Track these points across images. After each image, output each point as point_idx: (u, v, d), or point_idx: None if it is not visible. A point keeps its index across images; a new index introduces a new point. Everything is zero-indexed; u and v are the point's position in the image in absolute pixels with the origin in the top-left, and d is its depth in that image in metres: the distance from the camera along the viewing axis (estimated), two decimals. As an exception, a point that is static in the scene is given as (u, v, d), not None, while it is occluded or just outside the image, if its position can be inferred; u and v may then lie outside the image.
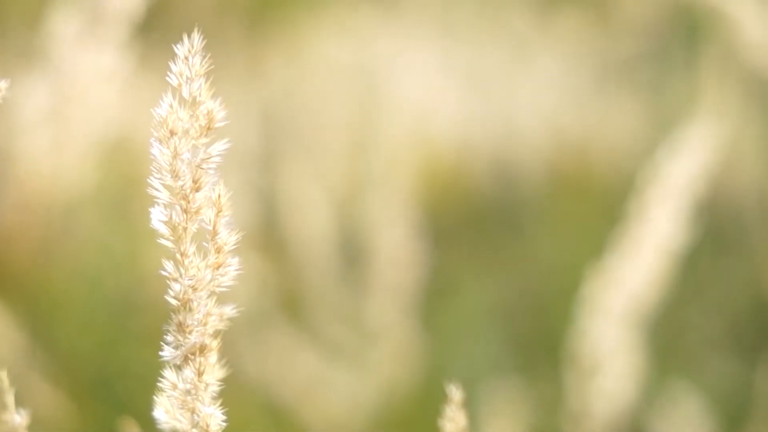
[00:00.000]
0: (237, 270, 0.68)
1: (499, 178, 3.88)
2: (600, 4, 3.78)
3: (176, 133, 0.64)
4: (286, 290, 2.54)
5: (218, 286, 0.68)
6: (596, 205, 3.16)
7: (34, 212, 1.66)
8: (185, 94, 0.64)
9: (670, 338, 2.69)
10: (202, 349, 0.69)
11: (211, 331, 0.69)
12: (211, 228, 0.67)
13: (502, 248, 3.51)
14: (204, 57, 0.64)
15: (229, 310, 0.68)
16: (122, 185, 2.00)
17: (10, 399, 0.63)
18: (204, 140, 0.65)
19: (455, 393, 0.73)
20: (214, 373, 0.69)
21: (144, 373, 1.76)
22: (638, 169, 1.52)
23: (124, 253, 1.94)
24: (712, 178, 2.68)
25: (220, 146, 0.65)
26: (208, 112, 0.64)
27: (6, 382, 0.63)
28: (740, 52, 1.89)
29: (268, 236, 2.50)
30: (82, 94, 1.31)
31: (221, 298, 0.69)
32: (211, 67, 0.64)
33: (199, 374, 0.69)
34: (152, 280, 1.85)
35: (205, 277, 0.67)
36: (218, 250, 0.67)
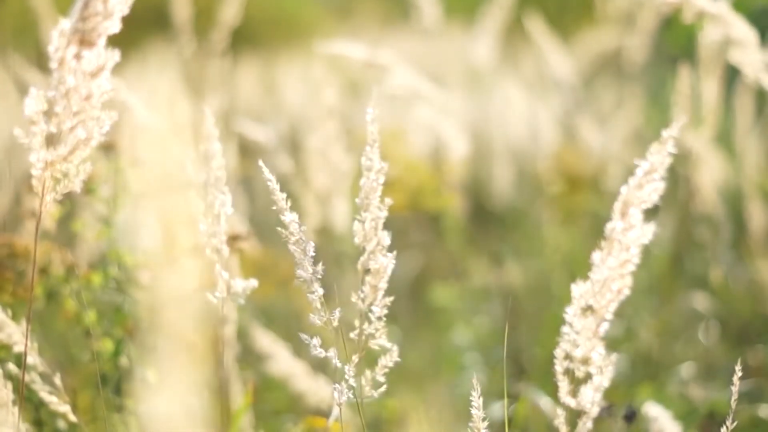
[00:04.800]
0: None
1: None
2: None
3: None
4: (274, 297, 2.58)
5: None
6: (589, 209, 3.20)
7: (36, 201, 1.69)
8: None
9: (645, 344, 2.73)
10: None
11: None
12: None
13: (503, 243, 3.54)
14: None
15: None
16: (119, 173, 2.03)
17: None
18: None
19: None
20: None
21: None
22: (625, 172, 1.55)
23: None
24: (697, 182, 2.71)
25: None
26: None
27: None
28: (726, 53, 1.93)
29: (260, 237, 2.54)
30: (77, 88, 1.35)
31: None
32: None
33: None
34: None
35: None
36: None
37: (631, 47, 3.80)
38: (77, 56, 1.34)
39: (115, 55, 1.36)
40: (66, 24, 1.34)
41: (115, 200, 1.82)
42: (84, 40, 1.33)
